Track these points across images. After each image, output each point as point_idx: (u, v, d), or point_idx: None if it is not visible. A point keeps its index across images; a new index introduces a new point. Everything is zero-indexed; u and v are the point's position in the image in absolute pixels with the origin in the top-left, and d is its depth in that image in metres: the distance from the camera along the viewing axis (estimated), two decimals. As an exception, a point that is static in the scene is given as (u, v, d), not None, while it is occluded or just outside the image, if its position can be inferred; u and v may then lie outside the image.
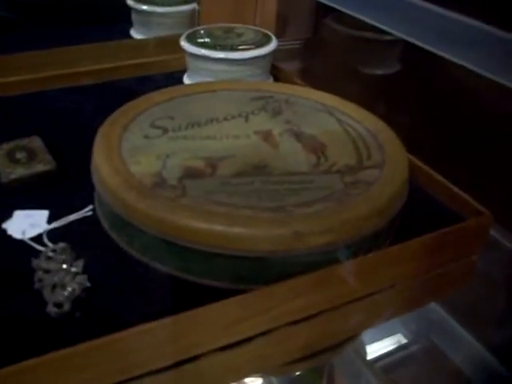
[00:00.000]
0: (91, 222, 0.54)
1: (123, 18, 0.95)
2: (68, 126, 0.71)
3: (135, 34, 0.94)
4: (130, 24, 0.95)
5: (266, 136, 0.57)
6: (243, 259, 0.45)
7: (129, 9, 0.93)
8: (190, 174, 0.51)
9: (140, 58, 0.86)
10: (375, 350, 0.81)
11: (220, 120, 0.60)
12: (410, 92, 0.81)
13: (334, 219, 0.46)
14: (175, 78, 0.82)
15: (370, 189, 0.50)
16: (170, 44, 0.86)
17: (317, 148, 0.55)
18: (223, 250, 0.44)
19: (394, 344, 0.82)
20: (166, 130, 0.57)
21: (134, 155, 0.53)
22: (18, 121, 0.72)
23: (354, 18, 0.78)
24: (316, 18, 0.92)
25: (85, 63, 0.83)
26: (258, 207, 0.46)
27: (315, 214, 0.46)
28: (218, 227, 0.44)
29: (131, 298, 0.46)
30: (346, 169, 0.52)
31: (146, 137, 0.56)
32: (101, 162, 0.51)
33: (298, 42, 0.93)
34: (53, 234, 0.53)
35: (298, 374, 0.73)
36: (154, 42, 0.88)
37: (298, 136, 0.57)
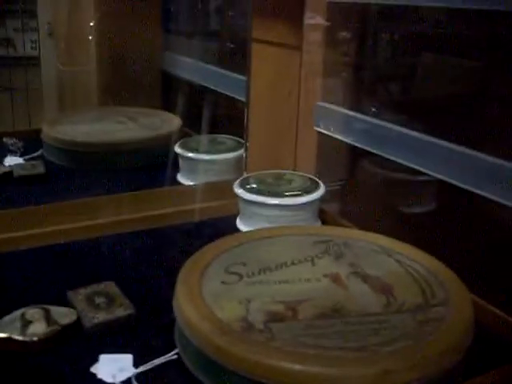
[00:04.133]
0: (177, 365, 0.57)
1: (171, 164, 1.01)
2: (134, 271, 0.75)
3: (182, 179, 1.00)
4: (176, 169, 1.02)
5: (335, 279, 0.62)
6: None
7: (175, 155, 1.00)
8: (274, 318, 0.54)
9: (190, 204, 0.91)
10: None
11: (288, 264, 0.64)
12: (447, 228, 0.85)
13: (417, 356, 0.49)
14: (226, 223, 0.87)
15: (441, 325, 0.53)
16: (218, 190, 0.92)
17: (385, 288, 0.60)
18: (318, 391, 0.48)
19: None
20: (241, 276, 0.62)
21: (216, 301, 0.57)
22: (86, 266, 0.76)
23: (388, 160, 0.84)
24: (353, 160, 0.99)
25: (135, 209, 0.88)
26: (345, 348, 0.50)
27: (398, 351, 0.50)
28: (313, 368, 0.47)
29: None
30: (415, 307, 0.56)
31: (224, 282, 0.60)
32: (187, 309, 0.55)
33: (338, 183, 1.00)
34: (140, 377, 0.55)
35: None
36: (203, 188, 0.94)
37: (364, 278, 0.62)
